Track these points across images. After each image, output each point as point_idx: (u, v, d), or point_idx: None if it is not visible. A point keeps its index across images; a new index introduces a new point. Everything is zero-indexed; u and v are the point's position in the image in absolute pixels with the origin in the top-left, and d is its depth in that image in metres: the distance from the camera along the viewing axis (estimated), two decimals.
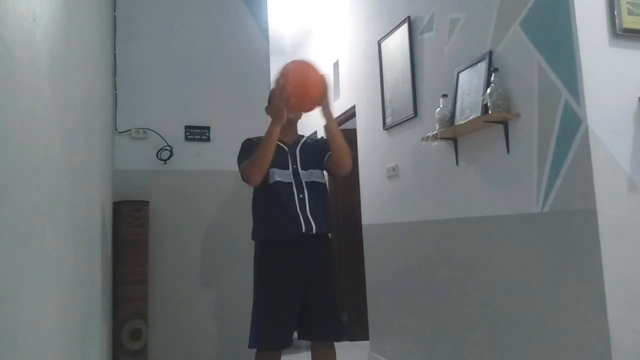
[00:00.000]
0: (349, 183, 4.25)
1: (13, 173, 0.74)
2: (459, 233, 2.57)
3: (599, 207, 1.78)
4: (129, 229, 2.69)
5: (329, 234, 2.31)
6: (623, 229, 1.81)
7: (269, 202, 2.21)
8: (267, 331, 2.10)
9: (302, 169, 2.26)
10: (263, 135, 2.18)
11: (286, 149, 2.29)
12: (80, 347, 1.43)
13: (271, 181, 2.20)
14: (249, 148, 2.26)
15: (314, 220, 2.17)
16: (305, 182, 2.24)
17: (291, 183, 2.21)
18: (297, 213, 2.16)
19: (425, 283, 2.89)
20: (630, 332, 1.75)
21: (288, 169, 2.24)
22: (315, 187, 2.25)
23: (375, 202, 3.52)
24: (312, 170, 2.29)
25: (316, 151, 2.35)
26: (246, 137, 2.40)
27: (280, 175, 2.21)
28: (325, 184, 2.32)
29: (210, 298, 3.06)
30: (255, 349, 2.12)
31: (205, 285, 3.05)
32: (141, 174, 2.99)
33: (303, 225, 2.13)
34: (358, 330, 4.10)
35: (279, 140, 2.20)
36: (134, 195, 2.85)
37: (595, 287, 1.78)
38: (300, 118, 2.36)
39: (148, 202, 2.85)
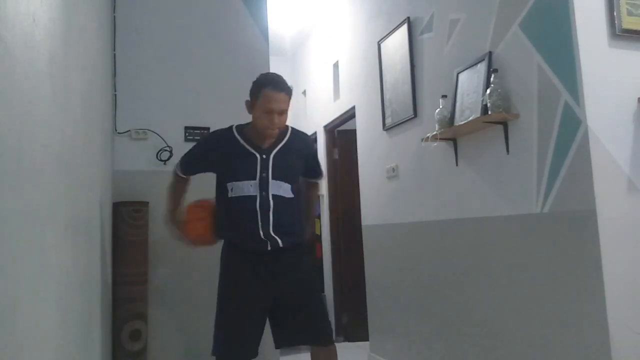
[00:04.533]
0: (349, 183, 4.26)
1: (13, 174, 0.74)
2: (458, 233, 2.57)
3: (599, 208, 1.78)
4: (129, 230, 2.69)
5: (302, 243, 2.16)
6: (623, 229, 1.81)
7: (229, 213, 2.05)
8: (230, 342, 1.97)
9: (273, 177, 2.02)
10: (235, 126, 2.11)
11: (257, 155, 2.04)
12: (80, 348, 1.43)
13: (229, 195, 2.02)
14: (200, 153, 2.16)
15: (280, 236, 2.00)
16: (273, 195, 2.01)
17: (255, 197, 1.99)
18: (259, 232, 1.98)
19: (425, 283, 2.89)
20: (630, 332, 1.75)
21: (255, 178, 2.01)
22: (283, 202, 2.03)
23: (375, 203, 3.52)
24: (282, 184, 2.03)
25: (296, 161, 2.11)
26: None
27: (241, 190, 2.00)
28: (293, 198, 2.08)
29: (210, 299, 3.05)
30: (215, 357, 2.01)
31: (205, 286, 3.04)
32: (141, 174, 2.99)
33: (268, 244, 2.00)
34: (358, 331, 4.10)
35: (250, 144, 2.04)
36: (133, 196, 2.85)
37: (595, 287, 1.78)
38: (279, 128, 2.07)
39: (148, 202, 2.85)
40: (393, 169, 3.24)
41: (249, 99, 2.05)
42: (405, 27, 3.07)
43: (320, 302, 2.19)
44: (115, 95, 2.98)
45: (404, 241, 3.12)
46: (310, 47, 5.02)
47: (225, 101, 3.24)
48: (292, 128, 2.17)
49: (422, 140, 2.73)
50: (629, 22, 1.91)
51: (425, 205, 2.88)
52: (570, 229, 1.89)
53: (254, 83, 2.04)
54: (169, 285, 2.96)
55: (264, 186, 2.01)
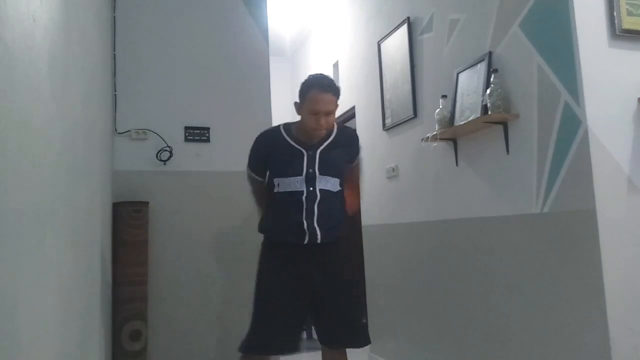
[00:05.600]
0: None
1: (13, 174, 0.74)
2: (458, 233, 2.57)
3: (599, 208, 1.78)
4: (129, 230, 2.69)
5: (340, 238, 2.19)
6: (623, 229, 1.81)
7: (275, 206, 2.10)
8: (257, 336, 1.99)
9: (320, 173, 2.06)
10: (283, 125, 2.15)
11: (303, 151, 2.07)
12: (80, 348, 1.43)
13: (275, 190, 2.07)
14: (255, 155, 2.20)
15: (321, 229, 2.03)
16: (320, 189, 2.04)
17: (302, 192, 2.03)
18: (302, 222, 2.01)
19: (425, 283, 2.89)
20: (630, 333, 1.75)
21: (301, 174, 2.04)
22: (330, 195, 2.07)
23: (375, 203, 3.52)
24: (330, 178, 2.08)
25: (341, 156, 2.14)
26: (250, 137, 2.24)
27: (287, 185, 2.04)
28: (340, 191, 2.14)
29: (210, 299, 3.06)
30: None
31: (205, 286, 3.05)
32: (141, 174, 2.99)
33: (307, 236, 2.02)
34: None
35: (297, 142, 2.08)
36: (133, 196, 2.85)
37: (595, 287, 1.78)
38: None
39: (148, 202, 2.85)
40: (393, 169, 3.24)
41: (297, 100, 2.09)
42: (405, 27, 3.07)
43: (351, 305, 2.14)
44: (115, 95, 2.98)
45: (404, 241, 3.12)
46: (310, 47, 5.02)
47: (225, 101, 3.25)
48: (339, 125, 2.21)
49: (422, 140, 2.73)
50: (629, 22, 1.91)
51: (425, 205, 2.88)
52: (570, 229, 1.89)
53: (302, 84, 2.06)
54: (169, 286, 2.96)
55: (310, 181, 2.05)
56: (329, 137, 2.12)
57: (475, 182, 2.44)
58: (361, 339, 2.11)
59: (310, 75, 2.09)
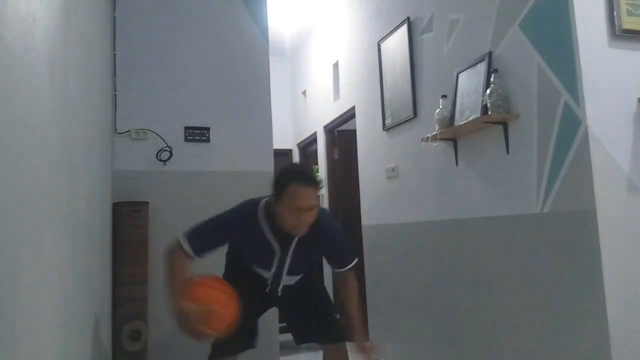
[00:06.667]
0: (349, 183, 4.25)
1: (13, 174, 0.74)
2: (458, 233, 2.57)
3: (599, 208, 1.78)
4: (129, 230, 2.69)
5: None
6: (623, 229, 1.81)
7: (238, 268, 2.01)
8: (220, 342, 1.94)
9: (287, 274, 1.95)
10: (264, 205, 1.85)
11: (276, 250, 1.88)
12: (80, 348, 1.43)
13: (242, 259, 1.99)
14: (213, 234, 1.87)
15: (282, 291, 2.02)
16: (283, 285, 1.99)
17: (267, 279, 1.98)
18: (265, 288, 2.01)
19: (425, 283, 2.89)
20: (630, 332, 1.75)
21: (269, 270, 1.94)
22: (292, 285, 2.04)
23: (375, 203, 3.52)
24: (295, 277, 2.00)
25: (317, 250, 1.98)
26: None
27: (257, 268, 1.97)
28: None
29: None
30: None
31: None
32: (141, 174, 2.99)
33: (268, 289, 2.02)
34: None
35: (273, 233, 1.85)
36: (133, 196, 2.85)
37: (595, 287, 1.78)
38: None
39: (148, 202, 2.85)
40: (393, 169, 3.24)
41: (272, 191, 1.80)
42: (405, 27, 3.07)
43: (325, 300, 2.16)
44: (115, 95, 2.98)
45: (404, 241, 3.12)
46: (310, 47, 5.02)
47: (225, 101, 3.24)
48: (321, 213, 1.87)
49: (422, 140, 2.73)
50: (629, 22, 1.91)
51: (425, 205, 2.88)
52: (570, 229, 1.89)
53: (279, 175, 1.82)
54: None
55: (275, 278, 1.97)
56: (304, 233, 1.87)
57: (475, 182, 2.44)
58: (335, 334, 2.07)
59: (286, 166, 1.91)
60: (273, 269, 1.93)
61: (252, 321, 2.04)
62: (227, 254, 2.14)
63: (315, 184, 1.78)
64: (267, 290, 2.02)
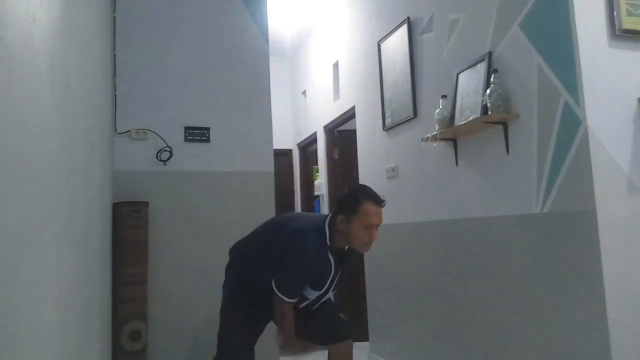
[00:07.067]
0: (349, 184, 4.25)
1: (13, 174, 0.74)
2: (458, 234, 2.57)
3: (599, 208, 1.78)
4: (129, 230, 2.69)
5: None
6: (623, 229, 1.81)
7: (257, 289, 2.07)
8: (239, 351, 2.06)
9: (331, 290, 2.10)
10: (327, 237, 1.97)
11: (333, 268, 2.02)
12: (79, 348, 1.43)
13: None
14: (301, 278, 1.98)
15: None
16: (321, 302, 2.11)
17: (309, 299, 2.06)
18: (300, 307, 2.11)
19: (425, 283, 2.89)
20: (630, 333, 1.75)
21: (321, 290, 2.04)
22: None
23: None
24: (331, 293, 2.14)
25: (344, 268, 2.14)
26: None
27: (309, 291, 2.03)
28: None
29: (210, 299, 3.05)
30: None
31: (204, 286, 3.04)
32: (141, 174, 2.99)
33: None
34: (358, 331, 4.09)
35: (334, 257, 2.00)
36: (133, 196, 2.85)
37: (595, 287, 1.78)
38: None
39: (148, 202, 2.85)
40: (393, 169, 3.24)
41: (341, 211, 1.97)
42: (405, 27, 3.07)
43: (327, 301, 2.22)
44: (115, 95, 2.98)
45: (404, 241, 3.12)
46: (310, 47, 5.02)
47: (225, 101, 3.24)
48: None
49: (422, 140, 2.73)
50: (629, 22, 1.91)
51: (425, 206, 2.88)
52: (570, 229, 1.89)
53: (350, 197, 2.02)
54: (169, 286, 2.96)
55: (321, 296, 2.08)
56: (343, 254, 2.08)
57: (475, 182, 2.44)
58: (340, 333, 2.15)
59: (358, 187, 2.09)
60: (325, 288, 2.03)
61: (257, 336, 2.12)
62: (240, 271, 2.18)
63: (383, 203, 2.00)
64: (299, 306, 2.07)
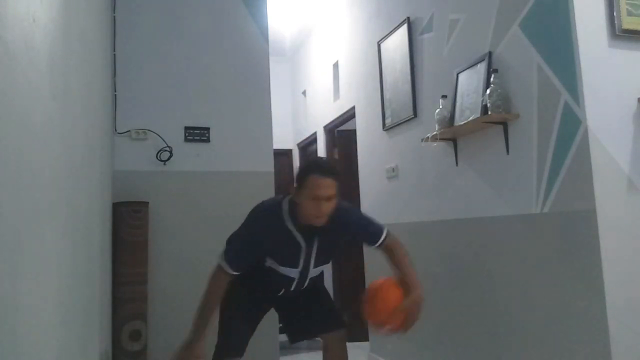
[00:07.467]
0: (349, 184, 4.25)
1: (12, 174, 0.74)
2: (458, 234, 2.57)
3: (599, 208, 1.78)
4: (129, 230, 2.69)
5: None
6: (623, 229, 1.81)
7: (259, 272, 2.00)
8: (226, 344, 2.04)
9: (313, 266, 2.02)
10: (287, 202, 1.92)
11: (302, 244, 1.95)
12: (79, 348, 1.43)
13: (266, 264, 1.98)
14: (245, 244, 1.96)
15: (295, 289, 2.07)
16: (310, 278, 2.05)
17: (293, 279, 2.02)
18: (281, 290, 2.08)
19: (425, 283, 2.88)
20: (630, 333, 1.75)
21: (297, 267, 1.98)
22: (316, 277, 2.11)
23: (375, 203, 3.52)
24: (322, 267, 2.07)
25: (340, 238, 2.08)
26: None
27: (278, 268, 1.99)
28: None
29: None
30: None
31: (204, 286, 3.04)
32: (141, 174, 2.99)
33: (284, 291, 2.09)
34: (358, 331, 4.09)
35: (298, 229, 1.91)
36: (133, 196, 2.85)
37: (595, 287, 1.78)
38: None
39: (148, 202, 2.85)
40: (393, 169, 3.24)
41: (295, 184, 1.89)
42: (405, 27, 3.07)
43: (322, 290, 2.24)
44: (115, 95, 2.98)
45: (404, 241, 3.11)
46: (310, 47, 5.01)
47: (225, 101, 3.25)
48: (337, 205, 1.94)
49: (422, 140, 2.73)
50: (629, 22, 1.91)
51: (425, 206, 2.88)
52: (570, 229, 1.89)
53: (300, 169, 1.92)
54: (169, 286, 2.96)
55: (303, 274, 2.03)
56: (326, 227, 1.93)
57: (475, 182, 2.44)
58: (334, 322, 2.14)
59: (308, 160, 1.97)
60: (300, 265, 1.98)
61: (253, 326, 2.10)
62: None
63: (333, 174, 1.87)
64: (290, 289, 2.05)
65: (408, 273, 2.02)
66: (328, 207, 1.85)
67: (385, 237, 2.09)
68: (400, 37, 3.13)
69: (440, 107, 2.55)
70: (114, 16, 3.01)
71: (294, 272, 2.01)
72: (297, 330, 2.17)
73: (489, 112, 2.18)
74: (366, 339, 3.70)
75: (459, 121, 2.43)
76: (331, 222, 1.90)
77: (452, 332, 2.62)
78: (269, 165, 3.27)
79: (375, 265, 3.52)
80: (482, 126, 2.31)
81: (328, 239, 1.98)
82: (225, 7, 3.31)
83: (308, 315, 2.13)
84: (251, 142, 3.26)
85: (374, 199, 3.54)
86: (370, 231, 2.09)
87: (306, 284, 2.07)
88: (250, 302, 2.09)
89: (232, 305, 2.09)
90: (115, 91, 2.98)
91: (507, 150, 2.21)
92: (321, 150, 4.76)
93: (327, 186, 1.84)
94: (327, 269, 4.55)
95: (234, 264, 1.91)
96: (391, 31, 3.24)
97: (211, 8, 3.28)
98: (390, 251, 2.10)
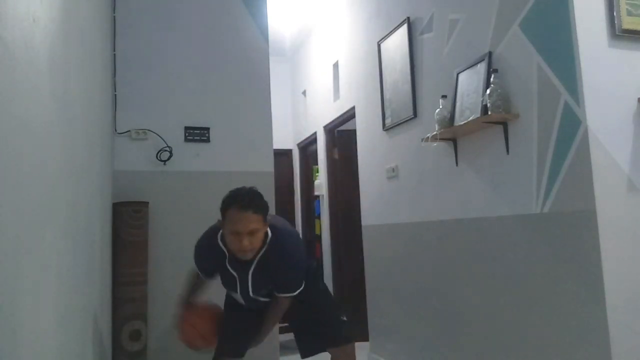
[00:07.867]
0: (349, 183, 4.25)
1: (13, 174, 0.74)
2: (458, 233, 2.57)
3: (599, 208, 1.78)
4: (129, 230, 2.69)
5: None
6: (623, 229, 1.81)
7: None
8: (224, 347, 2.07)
9: (253, 294, 1.98)
10: (219, 234, 1.91)
11: (235, 275, 1.93)
12: (79, 348, 1.43)
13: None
14: (199, 264, 2.04)
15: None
16: (257, 301, 2.03)
17: (242, 303, 2.07)
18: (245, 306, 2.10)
19: (425, 284, 2.89)
20: (630, 333, 1.75)
21: (236, 292, 2.01)
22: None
23: (375, 203, 3.52)
24: (266, 299, 2.03)
25: (273, 277, 1.95)
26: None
27: (229, 289, 2.08)
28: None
29: (210, 299, 3.05)
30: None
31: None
32: (141, 174, 2.99)
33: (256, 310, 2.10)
34: (358, 331, 4.10)
35: (231, 258, 1.89)
36: (133, 196, 2.85)
37: (595, 287, 1.78)
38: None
39: (148, 202, 2.85)
40: (393, 169, 3.24)
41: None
42: (405, 27, 3.07)
43: (328, 305, 2.23)
44: (115, 95, 2.98)
45: (404, 241, 3.12)
46: (310, 47, 5.01)
47: (225, 101, 3.25)
48: (272, 237, 1.89)
49: (422, 140, 2.73)
50: (628, 22, 1.91)
51: (425, 205, 2.88)
52: (570, 229, 1.89)
53: (222, 201, 1.83)
54: (169, 286, 2.95)
55: (247, 298, 2.02)
56: (260, 251, 1.87)
57: (475, 182, 2.44)
58: (340, 337, 2.13)
59: (230, 191, 1.85)
60: (239, 291, 2.00)
61: (246, 327, 2.11)
62: None
63: (254, 207, 1.77)
64: (249, 306, 2.09)
65: (263, 329, 2.10)
66: (252, 242, 1.77)
67: (287, 297, 2.01)
68: (400, 37, 3.13)
69: (440, 107, 2.55)
70: (114, 16, 3.01)
71: (237, 296, 2.04)
72: (305, 346, 2.17)
73: (489, 112, 2.18)
74: (366, 339, 3.70)
75: (459, 121, 2.43)
76: (265, 252, 1.85)
77: (452, 332, 2.62)
78: (269, 166, 3.27)
79: (375, 265, 3.53)
80: (482, 126, 2.31)
81: (263, 271, 1.89)
82: (225, 7, 3.31)
83: (315, 331, 2.14)
84: (251, 142, 3.26)
85: (374, 199, 3.54)
86: (287, 286, 1.99)
87: (261, 305, 2.05)
88: (238, 308, 2.13)
89: (226, 310, 2.16)
90: (115, 91, 2.98)
91: (507, 150, 2.21)
92: (321, 151, 4.76)
93: (247, 220, 1.74)
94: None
95: (200, 271, 2.07)
96: (391, 31, 3.24)
97: (211, 8, 3.28)
98: (276, 303, 2.04)
